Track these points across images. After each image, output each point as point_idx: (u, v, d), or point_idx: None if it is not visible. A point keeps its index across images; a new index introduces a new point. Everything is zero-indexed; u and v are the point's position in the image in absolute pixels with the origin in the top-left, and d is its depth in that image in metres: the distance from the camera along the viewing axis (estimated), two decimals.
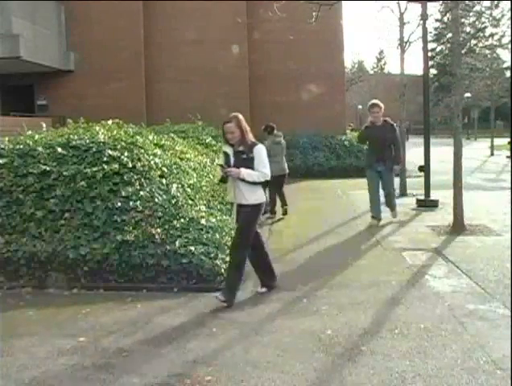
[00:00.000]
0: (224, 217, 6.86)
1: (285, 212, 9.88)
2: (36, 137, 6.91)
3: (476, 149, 30.23)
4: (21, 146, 6.57)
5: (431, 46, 50.90)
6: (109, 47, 18.49)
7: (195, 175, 7.62)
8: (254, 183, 5.06)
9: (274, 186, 9.96)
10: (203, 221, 6.22)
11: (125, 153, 6.43)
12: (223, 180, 5.26)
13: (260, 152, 5.09)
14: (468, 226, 8.06)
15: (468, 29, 32.42)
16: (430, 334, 4.19)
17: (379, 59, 66.69)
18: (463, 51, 21.76)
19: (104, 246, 5.68)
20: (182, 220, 6.08)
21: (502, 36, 37.30)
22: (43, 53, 17.72)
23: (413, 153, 17.37)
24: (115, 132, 7.05)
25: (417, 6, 12.08)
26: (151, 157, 6.78)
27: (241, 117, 5.12)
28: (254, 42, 19.10)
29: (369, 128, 8.80)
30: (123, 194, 6.04)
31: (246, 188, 5.04)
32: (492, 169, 20.46)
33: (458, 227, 7.96)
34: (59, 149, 6.40)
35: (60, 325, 4.65)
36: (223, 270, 5.59)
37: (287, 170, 10.15)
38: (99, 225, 5.84)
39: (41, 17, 18.09)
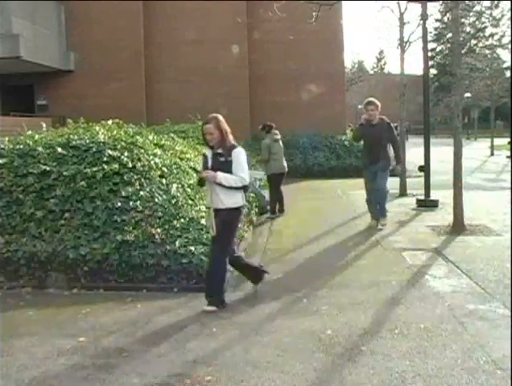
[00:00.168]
0: None
1: (282, 210, 9.90)
2: (36, 137, 6.91)
3: (476, 149, 30.22)
4: (21, 146, 6.58)
5: (431, 46, 50.91)
6: (109, 47, 18.49)
7: (195, 175, 7.62)
8: (232, 187, 4.86)
9: (274, 184, 9.99)
10: (203, 221, 6.21)
11: (125, 153, 6.44)
12: (201, 183, 5.08)
13: (239, 155, 4.91)
14: (468, 226, 8.05)
15: (468, 29, 32.42)
16: (430, 334, 4.19)
17: (379, 59, 66.72)
18: (463, 51, 21.75)
19: (104, 246, 5.68)
20: (182, 220, 6.09)
21: (502, 36, 37.40)
22: (43, 53, 17.72)
23: (413, 153, 17.37)
24: (115, 132, 7.06)
25: (417, 6, 12.09)
26: (151, 157, 6.78)
27: (221, 118, 4.96)
28: (254, 42, 19.10)
29: (364, 126, 8.50)
30: (123, 194, 6.05)
31: (223, 192, 4.86)
32: (492, 169, 20.46)
33: (458, 227, 7.96)
34: (59, 149, 6.40)
35: (60, 325, 4.65)
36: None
37: (287, 169, 10.17)
38: (99, 225, 5.84)
39: (41, 17, 18.09)
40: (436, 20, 45.56)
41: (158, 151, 7.21)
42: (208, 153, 5.03)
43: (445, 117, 52.32)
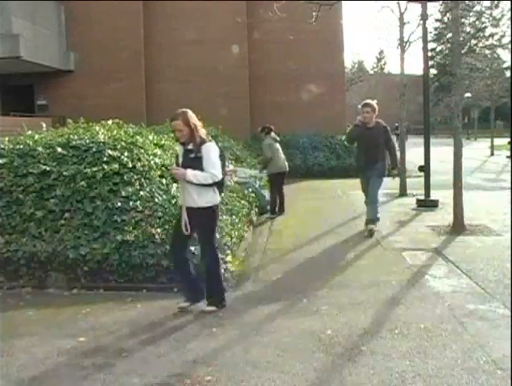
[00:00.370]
0: (224, 217, 6.85)
1: (282, 211, 9.91)
2: (36, 137, 6.91)
3: (476, 149, 30.21)
4: (21, 146, 6.58)
5: (431, 46, 50.92)
6: (109, 47, 18.48)
7: None
8: (204, 185, 4.69)
9: (275, 184, 10.00)
10: None
11: (125, 153, 6.43)
12: (175, 181, 4.95)
13: (209, 151, 4.70)
14: (468, 226, 8.05)
15: (468, 29, 32.40)
16: (430, 334, 4.19)
17: (379, 59, 66.68)
18: (463, 51, 21.74)
19: (104, 246, 5.67)
20: None
21: (502, 36, 37.44)
22: (43, 53, 17.71)
23: (413, 153, 17.37)
24: (115, 132, 7.05)
25: (417, 6, 12.09)
26: (151, 157, 6.78)
27: (190, 113, 4.74)
28: (254, 42, 19.10)
29: (359, 128, 8.14)
30: (123, 194, 6.04)
31: (196, 190, 4.70)
32: (492, 169, 20.46)
33: (458, 227, 7.96)
34: (59, 149, 6.40)
35: (60, 325, 4.65)
36: (223, 270, 5.58)
37: (287, 168, 10.18)
38: (99, 225, 5.84)
39: (41, 17, 18.08)
40: (436, 20, 45.56)
41: (159, 151, 7.21)
42: (180, 149, 4.89)
43: (445, 117, 52.30)
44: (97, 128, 7.15)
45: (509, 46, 31.06)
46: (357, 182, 8.80)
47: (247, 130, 18.28)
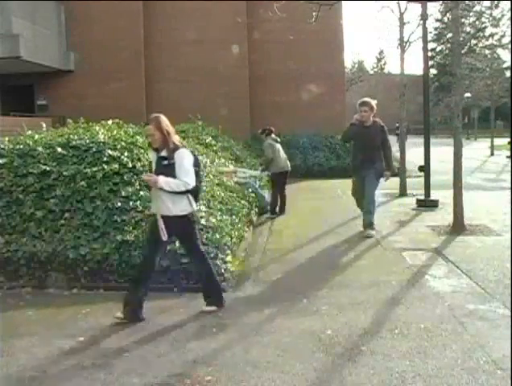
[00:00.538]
0: (224, 217, 6.85)
1: (282, 211, 9.91)
2: (36, 137, 6.91)
3: (476, 149, 30.22)
4: (21, 146, 6.58)
5: (431, 46, 50.93)
6: (109, 47, 18.48)
7: None
8: (177, 193, 4.58)
9: (277, 184, 10.00)
10: (203, 221, 6.21)
11: (125, 153, 6.44)
12: (149, 188, 4.82)
13: (182, 158, 4.58)
14: (468, 226, 8.05)
15: (468, 29, 32.39)
16: (430, 334, 4.19)
17: (379, 59, 66.73)
18: (463, 51, 21.76)
19: (104, 246, 5.67)
20: None
21: (502, 36, 37.42)
22: (43, 53, 17.71)
23: (413, 153, 17.37)
24: (115, 132, 7.05)
25: (417, 6, 12.08)
26: None
27: (162, 118, 4.63)
28: (254, 42, 19.10)
29: (356, 126, 7.92)
30: (123, 194, 6.05)
31: (169, 198, 4.58)
32: (492, 169, 20.46)
33: (458, 227, 7.96)
34: (59, 149, 6.40)
35: (60, 325, 4.65)
36: (223, 270, 5.59)
37: (289, 168, 10.17)
38: (99, 225, 5.84)
39: (41, 17, 18.08)
40: (436, 20, 45.62)
41: None
42: (153, 156, 4.78)
43: (445, 117, 52.30)
44: (97, 128, 7.16)
45: (509, 46, 31.07)
46: None
47: (247, 130, 18.28)
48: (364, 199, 7.98)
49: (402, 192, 12.14)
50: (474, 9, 21.24)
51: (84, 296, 5.47)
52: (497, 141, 29.78)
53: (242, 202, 8.51)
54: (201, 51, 18.84)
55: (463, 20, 25.74)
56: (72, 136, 6.75)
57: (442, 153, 16.40)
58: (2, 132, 9.12)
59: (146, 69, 19.26)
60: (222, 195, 7.89)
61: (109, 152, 6.35)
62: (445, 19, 35.63)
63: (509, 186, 12.24)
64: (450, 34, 41.02)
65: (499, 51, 38.75)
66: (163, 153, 4.62)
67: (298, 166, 16.84)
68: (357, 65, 56.71)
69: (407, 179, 12.51)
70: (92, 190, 6.04)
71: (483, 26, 28.17)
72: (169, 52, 19.14)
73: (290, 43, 17.05)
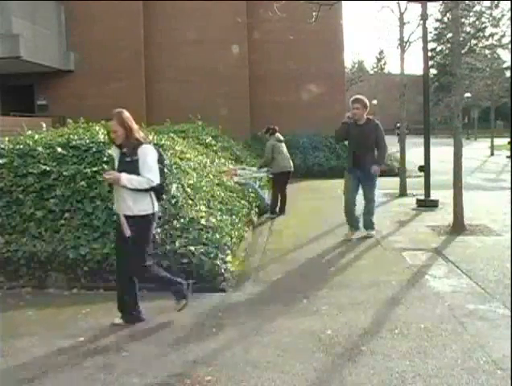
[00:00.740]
0: (224, 217, 6.85)
1: (282, 211, 9.90)
2: (36, 137, 6.91)
3: (476, 149, 30.22)
4: (21, 146, 6.58)
5: (431, 46, 50.98)
6: (109, 47, 18.49)
7: (195, 175, 7.62)
8: (140, 191, 4.39)
9: (278, 183, 9.99)
10: (203, 221, 6.21)
11: None
12: (111, 187, 4.66)
13: (145, 154, 4.41)
14: (468, 226, 8.05)
15: (468, 29, 32.44)
16: (430, 334, 4.19)
17: (379, 59, 66.79)
18: (463, 51, 21.77)
19: (104, 246, 5.67)
20: (182, 220, 6.08)
21: (502, 36, 37.41)
22: (43, 53, 17.72)
23: (413, 153, 17.37)
24: None
25: (417, 6, 12.09)
26: None
27: (125, 113, 4.47)
28: (254, 42, 19.10)
29: (349, 125, 7.62)
30: None
31: (130, 196, 4.39)
32: (492, 169, 20.46)
33: (458, 227, 7.96)
34: (59, 149, 6.40)
35: (60, 325, 4.65)
36: (223, 270, 5.59)
37: (292, 168, 10.17)
38: (99, 225, 5.84)
39: (41, 17, 18.09)
40: (436, 20, 45.71)
41: None
42: (115, 152, 4.60)
43: (445, 117, 52.28)
44: (97, 128, 7.16)
45: (509, 46, 31.09)
46: None
47: (247, 130, 18.29)
48: (365, 206, 7.83)
49: (402, 192, 12.14)
50: (474, 9, 21.29)
51: (84, 296, 5.46)
52: (497, 141, 29.80)
53: (242, 202, 8.51)
54: (201, 51, 18.84)
55: (463, 20, 25.78)
56: (72, 136, 6.76)
57: (442, 153, 16.40)
58: (2, 132, 9.12)
59: (146, 69, 19.26)
60: (222, 195, 7.89)
61: (109, 152, 6.34)
62: (445, 19, 35.68)
63: (509, 186, 12.24)
64: (450, 34, 41.04)
65: (499, 51, 38.80)
66: (126, 150, 4.46)
67: (298, 166, 16.74)
68: (357, 65, 56.78)
69: (407, 179, 12.51)
70: (92, 190, 6.04)
71: (483, 26, 28.22)
72: (169, 52, 19.14)
73: (290, 43, 17.06)
